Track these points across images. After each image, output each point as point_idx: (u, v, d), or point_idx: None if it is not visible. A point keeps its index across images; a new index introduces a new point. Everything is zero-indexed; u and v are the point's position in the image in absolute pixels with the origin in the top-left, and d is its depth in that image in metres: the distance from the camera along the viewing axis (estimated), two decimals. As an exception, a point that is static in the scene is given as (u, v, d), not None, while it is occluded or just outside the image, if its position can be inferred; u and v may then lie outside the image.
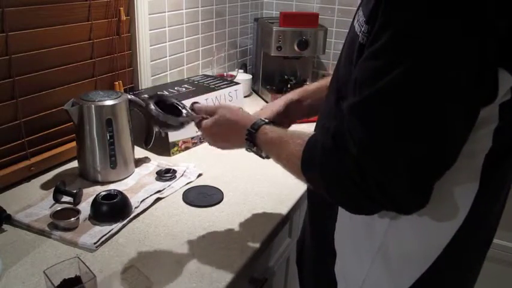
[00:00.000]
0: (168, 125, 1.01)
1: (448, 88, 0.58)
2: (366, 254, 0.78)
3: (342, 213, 0.81)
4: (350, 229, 0.80)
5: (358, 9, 0.76)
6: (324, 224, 0.86)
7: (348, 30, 0.80)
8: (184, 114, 1.00)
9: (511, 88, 0.62)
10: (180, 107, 1.02)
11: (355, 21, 0.73)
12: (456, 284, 0.80)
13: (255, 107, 1.79)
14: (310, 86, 1.09)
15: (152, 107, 0.99)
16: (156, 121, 1.01)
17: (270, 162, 1.15)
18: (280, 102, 1.07)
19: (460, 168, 0.66)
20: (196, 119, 0.99)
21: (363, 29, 0.67)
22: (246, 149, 0.91)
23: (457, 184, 0.69)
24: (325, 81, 1.03)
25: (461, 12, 0.56)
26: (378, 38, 0.61)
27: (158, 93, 0.98)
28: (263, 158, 0.91)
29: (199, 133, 1.03)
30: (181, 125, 1.01)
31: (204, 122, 0.97)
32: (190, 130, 1.13)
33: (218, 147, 0.98)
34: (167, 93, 1.45)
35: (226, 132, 0.95)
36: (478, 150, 0.67)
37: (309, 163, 0.73)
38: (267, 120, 0.89)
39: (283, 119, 1.04)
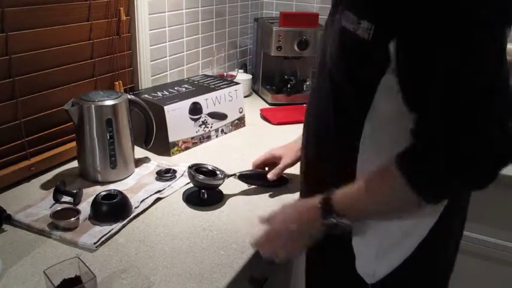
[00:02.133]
0: (209, 186, 1.12)
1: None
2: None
3: None
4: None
5: (337, 9, 0.81)
6: None
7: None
8: (219, 174, 1.12)
9: None
10: (215, 170, 1.14)
11: (342, 21, 0.76)
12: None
13: (255, 107, 1.80)
14: None
15: (200, 176, 1.10)
16: (202, 185, 1.11)
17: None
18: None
19: None
20: (229, 176, 1.13)
21: (363, 26, 0.71)
22: (323, 225, 0.81)
23: None
24: None
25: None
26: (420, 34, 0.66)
27: (194, 163, 1.14)
28: (344, 226, 0.81)
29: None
30: (218, 185, 1.13)
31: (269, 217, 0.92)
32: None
33: (282, 244, 0.87)
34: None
35: (294, 216, 0.87)
36: None
37: (424, 181, 0.71)
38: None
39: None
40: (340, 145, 0.86)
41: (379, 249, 0.85)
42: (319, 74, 0.89)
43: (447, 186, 0.72)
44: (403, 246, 0.84)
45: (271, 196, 1.15)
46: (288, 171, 1.21)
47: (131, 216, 1.02)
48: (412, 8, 0.66)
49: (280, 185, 1.19)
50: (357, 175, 0.83)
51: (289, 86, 1.92)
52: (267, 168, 1.21)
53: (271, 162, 1.20)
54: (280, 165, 1.16)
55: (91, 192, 1.11)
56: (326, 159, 0.89)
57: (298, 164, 1.18)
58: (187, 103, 1.41)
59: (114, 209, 1.01)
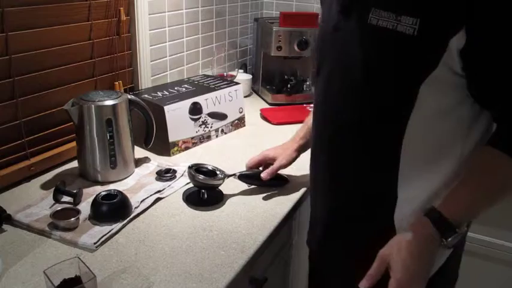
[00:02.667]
0: (209, 186, 1.12)
1: None
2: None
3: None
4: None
5: (350, 12, 0.80)
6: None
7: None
8: (219, 174, 1.12)
9: None
10: (215, 170, 1.14)
11: (370, 20, 0.75)
12: None
13: (255, 107, 1.80)
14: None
15: (200, 176, 1.10)
16: (202, 185, 1.11)
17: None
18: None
19: None
20: (229, 176, 1.13)
21: (405, 22, 0.70)
22: (443, 244, 0.75)
23: None
24: None
25: None
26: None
27: (194, 163, 1.15)
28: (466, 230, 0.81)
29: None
30: (218, 185, 1.13)
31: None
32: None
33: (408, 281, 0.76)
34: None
35: (415, 255, 0.76)
36: None
37: None
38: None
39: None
40: (377, 149, 0.84)
41: None
42: (336, 78, 0.87)
43: None
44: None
45: (271, 196, 1.15)
46: (288, 171, 1.21)
47: (131, 216, 1.02)
48: None
49: (280, 185, 1.19)
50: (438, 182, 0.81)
51: (289, 86, 1.92)
52: (261, 168, 1.21)
53: (265, 163, 1.19)
54: (275, 165, 1.15)
55: (91, 192, 1.11)
56: (351, 167, 0.89)
57: (298, 165, 1.18)
58: (187, 103, 1.41)
59: (114, 209, 1.01)
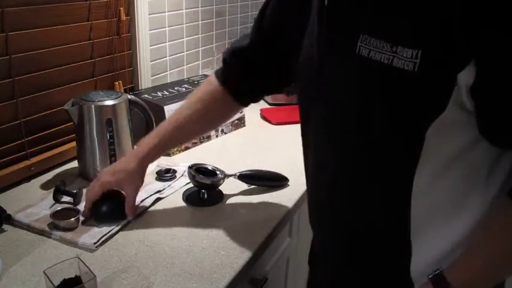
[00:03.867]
0: (209, 186, 1.11)
1: None
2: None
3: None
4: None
5: (336, 40, 0.65)
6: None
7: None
8: (219, 174, 1.12)
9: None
10: (215, 170, 1.13)
11: (360, 50, 0.61)
12: None
13: (255, 107, 1.80)
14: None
15: (200, 176, 1.10)
16: (202, 185, 1.11)
17: (270, 162, 1.16)
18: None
19: None
20: (229, 176, 1.12)
21: (402, 55, 0.56)
22: None
23: None
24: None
25: None
26: None
27: (194, 163, 1.13)
28: None
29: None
30: (218, 185, 1.12)
31: None
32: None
33: None
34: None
35: None
36: None
37: None
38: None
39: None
40: (379, 209, 0.72)
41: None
42: (326, 129, 0.73)
43: None
44: None
45: (271, 196, 1.15)
46: (288, 171, 1.21)
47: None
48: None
49: (280, 185, 1.19)
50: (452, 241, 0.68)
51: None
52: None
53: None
54: (129, 201, 0.99)
55: (91, 192, 1.11)
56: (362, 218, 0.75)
57: (299, 165, 1.18)
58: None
59: (114, 209, 1.00)
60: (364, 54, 0.60)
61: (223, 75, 1.02)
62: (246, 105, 1.07)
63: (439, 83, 0.57)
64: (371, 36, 0.59)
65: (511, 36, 0.52)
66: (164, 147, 1.04)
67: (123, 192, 1.03)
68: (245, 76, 1.00)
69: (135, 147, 1.03)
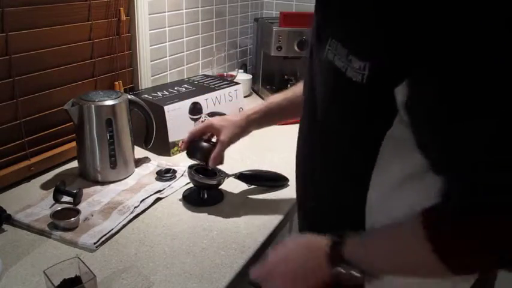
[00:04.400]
0: (209, 186, 1.12)
1: None
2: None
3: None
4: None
5: (321, 37, 0.66)
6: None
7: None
8: (219, 174, 1.13)
9: None
10: (214, 170, 1.13)
11: (327, 53, 0.62)
12: None
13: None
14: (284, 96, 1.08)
15: (200, 176, 1.10)
16: (202, 185, 1.11)
17: (270, 162, 1.16)
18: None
19: None
20: (229, 176, 1.14)
21: (353, 66, 0.57)
22: (330, 273, 0.67)
23: None
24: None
25: None
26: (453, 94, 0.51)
27: (194, 163, 1.14)
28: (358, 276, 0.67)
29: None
30: (218, 185, 1.13)
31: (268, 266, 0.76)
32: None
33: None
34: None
35: (299, 257, 0.72)
36: None
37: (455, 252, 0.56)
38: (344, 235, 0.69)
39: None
40: (343, 212, 0.73)
41: None
42: (309, 118, 0.75)
43: (484, 258, 0.55)
44: None
45: (271, 196, 1.15)
46: (288, 171, 1.21)
47: (131, 217, 1.02)
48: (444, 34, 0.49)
49: (280, 185, 1.19)
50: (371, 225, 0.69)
51: (289, 86, 1.92)
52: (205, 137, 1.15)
53: (209, 132, 1.12)
54: (217, 149, 1.06)
55: (91, 192, 1.11)
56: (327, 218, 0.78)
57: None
58: (187, 103, 1.41)
59: (205, 151, 1.07)
60: (330, 58, 0.62)
61: None
62: None
63: (385, 97, 0.57)
64: (337, 41, 0.60)
65: (435, 79, 0.51)
66: (270, 115, 1.09)
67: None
68: None
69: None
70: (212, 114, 1.47)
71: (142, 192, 1.13)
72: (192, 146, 1.11)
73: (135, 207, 1.05)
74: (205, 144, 1.11)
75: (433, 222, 0.57)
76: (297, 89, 1.04)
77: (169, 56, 1.64)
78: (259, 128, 1.11)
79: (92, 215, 1.01)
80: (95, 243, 0.92)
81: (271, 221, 1.05)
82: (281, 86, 1.93)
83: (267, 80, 1.99)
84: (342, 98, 0.62)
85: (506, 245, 0.52)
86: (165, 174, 1.20)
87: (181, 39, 1.69)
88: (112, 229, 0.97)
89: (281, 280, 0.72)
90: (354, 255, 0.65)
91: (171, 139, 1.36)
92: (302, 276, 0.70)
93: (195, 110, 1.42)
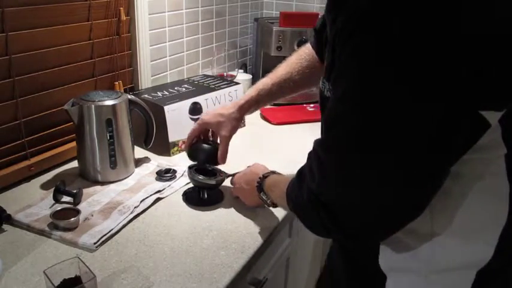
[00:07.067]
0: (209, 186, 1.12)
1: (402, 147, 0.58)
2: (418, 271, 0.72)
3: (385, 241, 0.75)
4: (394, 252, 0.74)
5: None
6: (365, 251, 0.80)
7: None
8: (219, 174, 1.13)
9: (499, 121, 0.60)
10: (214, 170, 1.14)
11: (321, 83, 0.74)
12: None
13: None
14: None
15: (200, 176, 1.10)
16: (202, 185, 1.11)
17: (270, 162, 1.16)
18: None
19: (485, 176, 0.65)
20: (229, 176, 1.15)
21: (326, 86, 0.70)
22: (260, 199, 1.00)
23: (489, 190, 0.67)
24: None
25: (411, 78, 0.55)
26: (337, 84, 0.63)
27: (194, 163, 1.15)
28: (269, 206, 1.01)
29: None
30: (218, 185, 1.13)
31: (236, 175, 1.12)
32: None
33: (243, 197, 1.09)
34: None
35: (247, 180, 1.05)
36: (494, 157, 0.65)
37: (287, 197, 0.80)
38: (275, 171, 1.01)
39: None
40: None
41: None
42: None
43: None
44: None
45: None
46: (288, 171, 1.20)
47: (131, 217, 1.02)
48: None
49: None
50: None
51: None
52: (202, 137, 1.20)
53: (207, 131, 1.17)
54: (222, 146, 1.12)
55: (91, 192, 1.11)
56: None
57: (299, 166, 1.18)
58: (187, 103, 1.41)
59: (210, 152, 1.11)
60: (320, 86, 0.74)
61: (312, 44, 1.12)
62: None
63: None
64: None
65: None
66: (261, 102, 1.13)
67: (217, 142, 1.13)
68: (317, 49, 1.08)
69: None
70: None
71: (142, 192, 1.13)
72: (194, 150, 1.13)
73: (135, 207, 1.05)
74: (206, 146, 1.12)
75: (288, 187, 0.80)
76: (281, 73, 1.12)
77: (169, 56, 1.64)
78: (250, 114, 1.18)
79: (92, 215, 1.01)
80: (95, 243, 0.92)
81: (271, 221, 1.05)
82: (281, 86, 1.93)
83: (267, 80, 1.99)
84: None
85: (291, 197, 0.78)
86: (165, 174, 1.20)
87: (181, 39, 1.69)
88: (112, 229, 0.97)
89: (236, 188, 1.10)
90: (268, 189, 0.96)
91: (171, 139, 1.36)
92: (250, 193, 1.03)
93: (195, 110, 1.42)
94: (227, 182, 1.14)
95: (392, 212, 0.63)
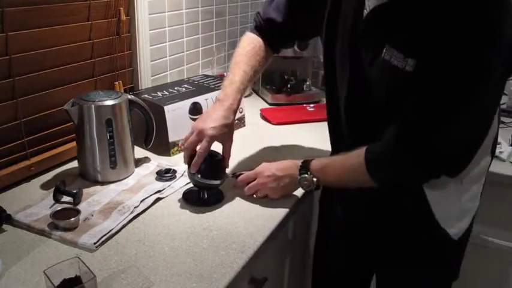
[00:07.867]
0: (209, 186, 1.11)
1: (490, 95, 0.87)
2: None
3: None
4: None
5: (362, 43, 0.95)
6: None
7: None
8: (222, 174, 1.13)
9: None
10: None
11: (386, 55, 0.88)
12: None
13: (255, 107, 1.80)
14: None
15: (199, 176, 1.09)
16: (202, 185, 1.10)
17: (270, 162, 1.16)
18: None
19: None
20: (233, 176, 1.17)
21: (409, 62, 0.85)
22: (299, 182, 1.07)
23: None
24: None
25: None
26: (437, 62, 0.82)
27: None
28: (309, 188, 1.07)
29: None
30: (218, 185, 1.13)
31: (264, 166, 1.14)
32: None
33: (269, 188, 1.11)
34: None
35: (281, 168, 1.11)
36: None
37: (371, 164, 0.94)
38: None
39: None
40: None
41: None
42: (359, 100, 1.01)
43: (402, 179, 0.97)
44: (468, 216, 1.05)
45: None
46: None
47: (131, 217, 1.02)
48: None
49: None
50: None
51: (289, 86, 1.92)
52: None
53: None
54: (228, 151, 1.15)
55: (91, 192, 1.11)
56: None
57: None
58: (187, 103, 1.41)
59: (215, 165, 1.10)
60: (386, 58, 0.89)
61: (259, 32, 1.25)
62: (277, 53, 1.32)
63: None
64: (393, 48, 0.87)
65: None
66: (243, 94, 1.19)
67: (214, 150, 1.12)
68: (274, 41, 1.26)
69: (222, 97, 1.15)
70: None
71: (142, 192, 1.13)
72: (205, 168, 1.09)
73: (135, 207, 1.05)
74: (214, 159, 1.10)
75: (372, 158, 0.94)
76: (249, 69, 1.18)
77: (169, 56, 1.64)
78: None
79: (92, 215, 1.01)
80: (95, 243, 0.92)
81: (271, 221, 1.05)
82: (281, 86, 1.93)
83: (267, 80, 1.99)
84: (392, 82, 0.91)
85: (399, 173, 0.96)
86: (165, 174, 1.20)
87: (181, 39, 1.69)
88: (112, 229, 0.97)
89: (264, 179, 1.10)
90: (316, 168, 1.05)
91: (171, 139, 1.36)
92: (288, 181, 1.09)
93: (195, 110, 1.42)
94: (227, 182, 1.14)
95: (479, 144, 0.91)
